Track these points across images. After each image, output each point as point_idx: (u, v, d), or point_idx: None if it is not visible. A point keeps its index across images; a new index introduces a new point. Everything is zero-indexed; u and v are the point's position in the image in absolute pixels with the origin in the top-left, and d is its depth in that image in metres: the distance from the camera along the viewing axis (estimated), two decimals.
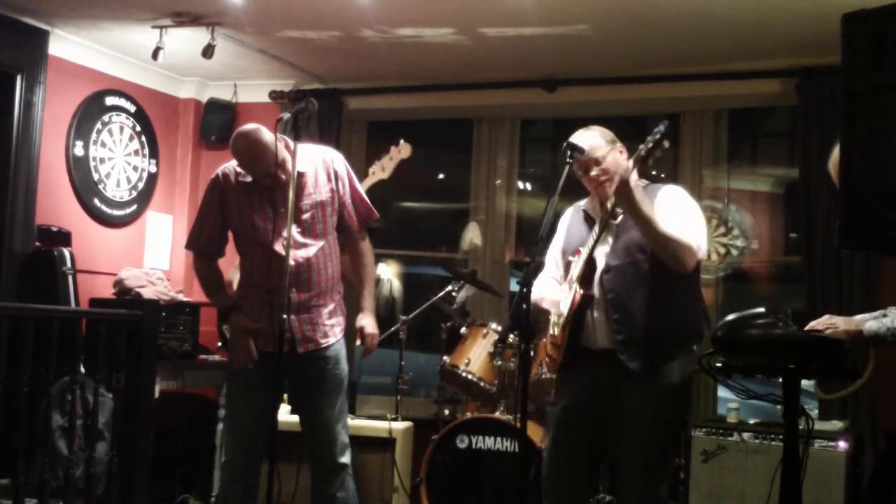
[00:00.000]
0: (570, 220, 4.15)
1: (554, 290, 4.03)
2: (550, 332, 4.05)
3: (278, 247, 4.04)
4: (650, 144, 3.61)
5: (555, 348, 3.99)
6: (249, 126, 4.09)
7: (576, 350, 3.89)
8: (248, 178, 4.13)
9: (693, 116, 6.56)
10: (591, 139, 3.90)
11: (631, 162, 3.67)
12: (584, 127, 3.99)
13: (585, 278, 3.84)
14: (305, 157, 4.13)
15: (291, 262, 4.00)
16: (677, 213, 3.80)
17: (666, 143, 3.62)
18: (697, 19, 5.41)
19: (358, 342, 4.29)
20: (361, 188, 4.35)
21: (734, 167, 6.65)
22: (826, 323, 3.50)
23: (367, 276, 4.33)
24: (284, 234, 4.03)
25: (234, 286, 4.40)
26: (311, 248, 4.10)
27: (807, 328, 3.45)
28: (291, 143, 4.08)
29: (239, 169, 4.16)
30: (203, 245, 4.27)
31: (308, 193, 4.12)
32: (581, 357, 3.89)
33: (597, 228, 3.81)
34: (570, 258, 3.98)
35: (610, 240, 3.86)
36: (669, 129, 3.61)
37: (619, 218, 3.83)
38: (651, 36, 5.74)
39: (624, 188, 3.62)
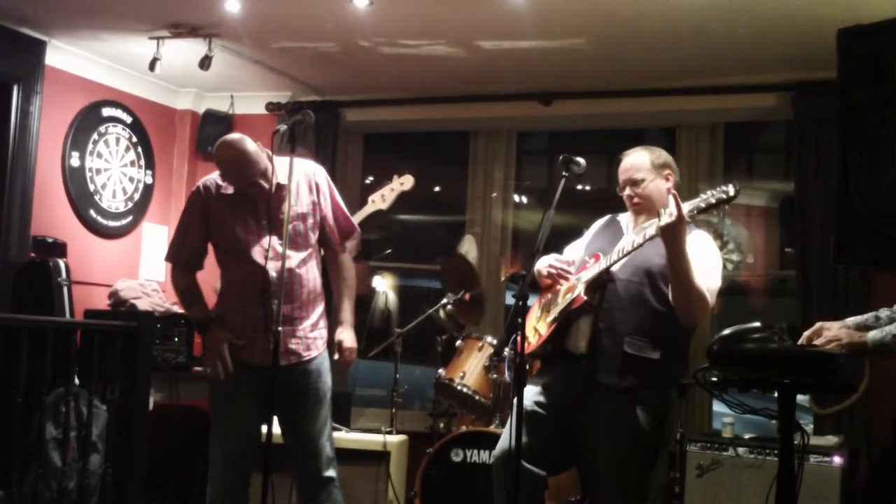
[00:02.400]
0: (602, 226, 4.09)
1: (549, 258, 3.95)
2: (536, 313, 3.98)
3: (260, 258, 4.04)
4: (713, 201, 3.54)
5: (536, 333, 3.92)
6: (233, 136, 4.08)
7: (554, 348, 3.84)
8: (230, 190, 4.13)
9: (689, 130, 6.56)
10: (636, 158, 3.87)
11: (686, 211, 3.54)
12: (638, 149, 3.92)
13: (593, 285, 3.79)
14: (286, 169, 4.12)
15: (273, 274, 4.00)
16: (703, 266, 3.70)
17: (727, 207, 3.57)
18: (693, 33, 5.42)
19: (336, 356, 4.26)
20: (342, 202, 4.34)
21: (730, 181, 6.61)
22: (829, 336, 3.39)
23: (346, 290, 4.32)
24: (266, 245, 4.03)
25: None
26: (293, 260, 4.10)
27: (802, 339, 3.42)
28: (269, 153, 4.11)
29: (220, 181, 4.16)
30: (185, 257, 4.26)
31: (290, 206, 4.11)
32: (564, 360, 3.84)
33: (625, 246, 3.73)
34: (587, 259, 3.92)
35: (625, 248, 3.78)
36: (737, 194, 3.53)
37: (645, 242, 3.71)
38: (647, 50, 5.76)
39: (679, 226, 3.52)
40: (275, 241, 4.05)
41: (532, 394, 3.87)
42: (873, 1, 4.56)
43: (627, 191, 3.88)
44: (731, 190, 3.54)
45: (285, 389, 4.07)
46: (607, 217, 4.12)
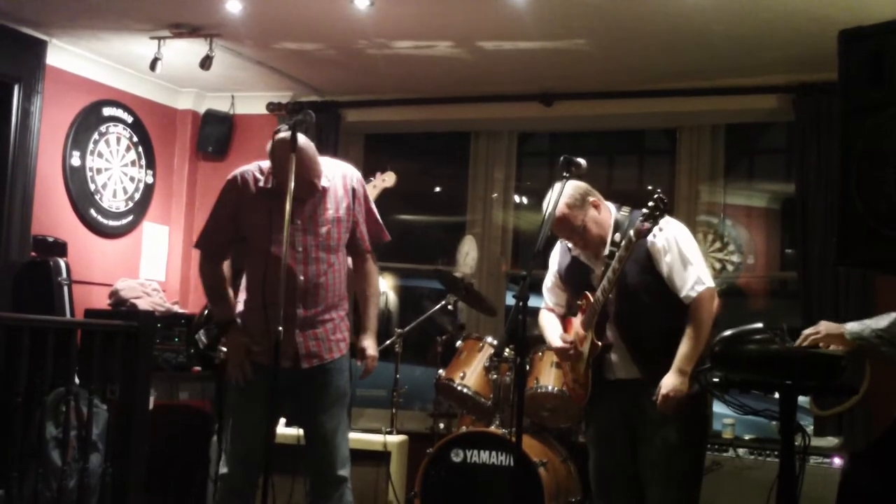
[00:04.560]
0: (562, 256, 4.30)
1: (556, 334, 4.27)
2: (570, 367, 4.25)
3: (291, 260, 3.99)
4: (652, 220, 3.75)
5: (579, 385, 4.18)
6: (289, 133, 4.02)
7: (600, 382, 4.09)
8: (269, 186, 4.08)
9: (690, 131, 6.57)
10: (564, 210, 3.99)
11: (633, 234, 3.79)
12: (557, 186, 4.01)
13: (599, 326, 4.02)
14: (328, 171, 4.11)
15: (301, 278, 3.98)
16: (681, 269, 3.96)
17: (666, 218, 3.80)
18: (695, 35, 5.42)
19: (358, 362, 4.26)
20: (375, 209, 4.33)
21: (731, 182, 6.66)
22: (811, 330, 3.47)
23: (372, 296, 4.31)
24: (299, 247, 4.01)
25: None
26: (323, 264, 4.07)
27: (800, 339, 3.43)
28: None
29: (259, 175, 4.12)
30: (214, 246, 4.21)
31: (327, 208, 4.09)
32: (606, 386, 4.08)
33: (604, 284, 3.95)
34: (580, 302, 4.14)
35: (607, 286, 3.98)
36: (666, 205, 3.75)
37: (612, 269, 3.93)
38: (649, 51, 5.76)
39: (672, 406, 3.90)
40: (310, 242, 4.03)
41: (596, 430, 4.20)
42: (874, 2, 4.57)
43: (577, 239, 4.10)
44: (660, 204, 3.75)
45: (305, 390, 4.06)
46: (559, 245, 4.33)
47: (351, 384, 4.31)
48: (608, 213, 4.10)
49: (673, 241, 3.96)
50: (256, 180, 4.10)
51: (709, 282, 3.96)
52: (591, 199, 4.06)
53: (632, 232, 3.79)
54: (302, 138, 3.97)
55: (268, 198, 4.07)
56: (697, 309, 3.90)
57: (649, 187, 3.87)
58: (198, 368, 6.20)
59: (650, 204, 3.75)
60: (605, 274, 3.93)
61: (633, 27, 5.38)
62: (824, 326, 3.34)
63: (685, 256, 3.95)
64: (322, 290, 4.07)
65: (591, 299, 4.03)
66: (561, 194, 3.90)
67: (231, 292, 4.23)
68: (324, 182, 4.07)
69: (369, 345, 4.25)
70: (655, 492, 3.94)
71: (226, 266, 4.27)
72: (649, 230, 3.73)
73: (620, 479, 4.08)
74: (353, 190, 4.19)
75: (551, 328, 4.31)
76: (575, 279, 4.20)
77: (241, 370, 4.05)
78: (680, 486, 3.97)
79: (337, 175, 4.17)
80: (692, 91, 6.26)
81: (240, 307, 4.18)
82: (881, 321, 3.22)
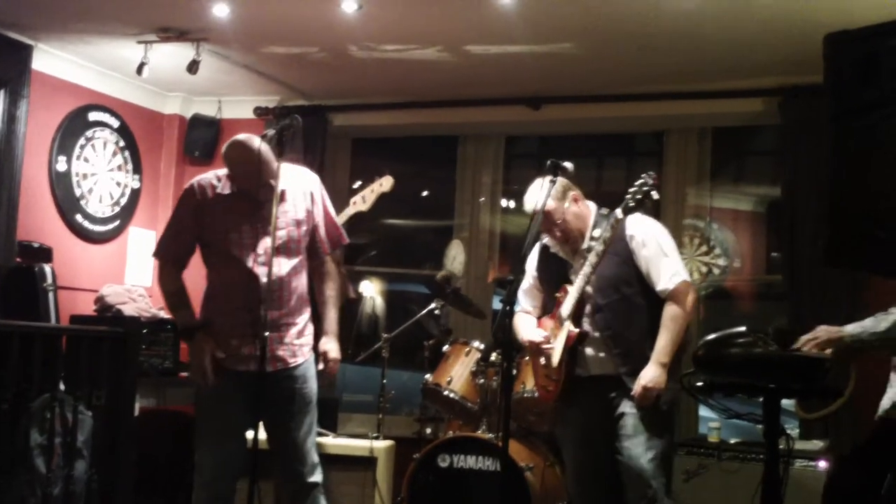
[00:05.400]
0: (540, 256, 4.34)
1: (531, 329, 4.28)
2: (542, 363, 4.22)
3: (251, 263, 4.01)
4: (639, 197, 3.83)
5: (550, 381, 4.17)
6: (244, 135, 4.06)
7: (573, 379, 4.09)
8: (227, 191, 4.10)
9: (677, 134, 6.58)
10: (546, 202, 3.99)
11: (620, 212, 3.89)
12: (537, 182, 4.11)
13: (576, 315, 4.03)
14: (285, 175, 4.12)
15: (263, 280, 3.98)
16: (658, 262, 4.04)
17: (654, 195, 3.84)
18: (683, 38, 5.43)
19: (320, 365, 4.25)
20: (334, 212, 4.35)
21: (717, 185, 6.67)
22: (808, 336, 3.48)
23: (331, 299, 4.31)
24: (260, 250, 4.00)
25: None
26: (285, 267, 4.08)
27: (798, 344, 3.44)
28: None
29: (216, 182, 4.14)
30: (173, 254, 4.23)
31: (285, 211, 4.10)
32: (579, 384, 4.10)
33: (586, 270, 3.98)
34: (557, 295, 4.15)
35: (588, 271, 4.02)
36: (654, 182, 3.83)
37: (595, 253, 3.96)
38: (636, 54, 5.76)
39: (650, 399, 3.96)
40: (268, 245, 4.03)
41: (573, 430, 4.22)
42: (860, 6, 4.57)
43: (556, 232, 4.15)
44: (649, 179, 3.87)
45: (271, 395, 4.06)
46: (536, 246, 4.33)
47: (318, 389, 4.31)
48: (587, 209, 4.17)
49: (651, 235, 4.06)
50: (213, 187, 4.15)
51: (685, 275, 4.04)
52: (571, 192, 4.13)
53: (619, 210, 3.84)
54: (254, 140, 3.99)
55: (225, 202, 4.10)
56: (674, 301, 3.98)
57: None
58: (185, 374, 6.17)
59: (639, 181, 3.83)
60: (588, 261, 3.98)
61: (621, 31, 5.39)
62: (823, 331, 3.36)
63: (663, 250, 4.04)
64: (285, 293, 4.09)
65: (569, 290, 4.06)
66: (546, 194, 3.93)
67: (190, 299, 4.24)
68: (281, 185, 4.07)
69: (332, 348, 4.25)
70: (635, 444, 3.98)
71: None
72: (637, 206, 3.77)
73: (600, 479, 4.13)
74: (311, 194, 4.23)
75: (524, 325, 4.33)
76: (553, 276, 4.24)
77: (203, 374, 4.04)
78: (658, 442, 4.01)
79: (295, 178, 4.21)
80: (679, 94, 6.27)
81: (204, 311, 4.20)
82: (881, 324, 3.26)
